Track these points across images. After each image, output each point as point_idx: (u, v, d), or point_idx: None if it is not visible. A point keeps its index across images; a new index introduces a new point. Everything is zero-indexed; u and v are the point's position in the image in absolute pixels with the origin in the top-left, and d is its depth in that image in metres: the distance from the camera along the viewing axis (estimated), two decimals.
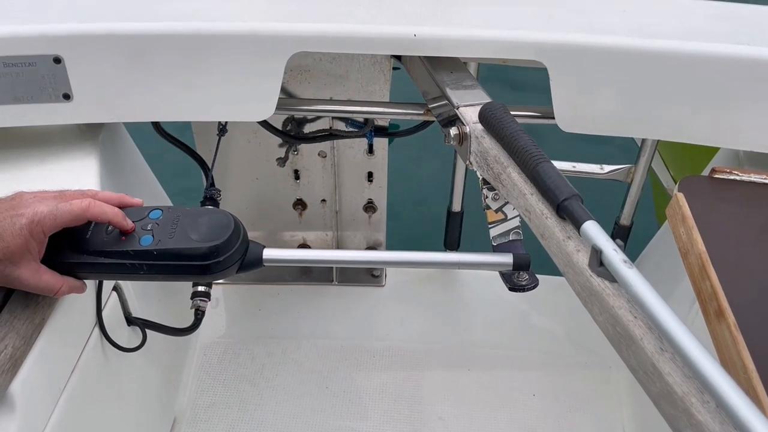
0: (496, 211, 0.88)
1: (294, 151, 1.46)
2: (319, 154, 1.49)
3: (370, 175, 1.53)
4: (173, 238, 0.77)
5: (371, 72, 1.30)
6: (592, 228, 0.63)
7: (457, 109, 0.93)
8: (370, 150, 1.48)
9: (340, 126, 1.39)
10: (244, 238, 0.80)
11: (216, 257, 0.76)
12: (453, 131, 0.91)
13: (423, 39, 0.98)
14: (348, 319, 1.60)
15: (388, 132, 1.40)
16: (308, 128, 1.40)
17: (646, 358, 0.54)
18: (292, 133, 1.37)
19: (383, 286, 1.68)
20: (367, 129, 1.37)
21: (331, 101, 1.23)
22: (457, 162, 1.51)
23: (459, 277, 1.69)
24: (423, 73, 1.08)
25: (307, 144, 1.43)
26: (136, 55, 0.98)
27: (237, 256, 0.79)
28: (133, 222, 0.78)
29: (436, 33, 0.99)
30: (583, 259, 0.64)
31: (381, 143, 1.47)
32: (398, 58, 1.24)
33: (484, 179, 0.87)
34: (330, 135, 1.38)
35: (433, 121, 1.23)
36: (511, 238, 0.88)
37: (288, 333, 1.56)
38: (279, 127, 1.37)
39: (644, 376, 0.54)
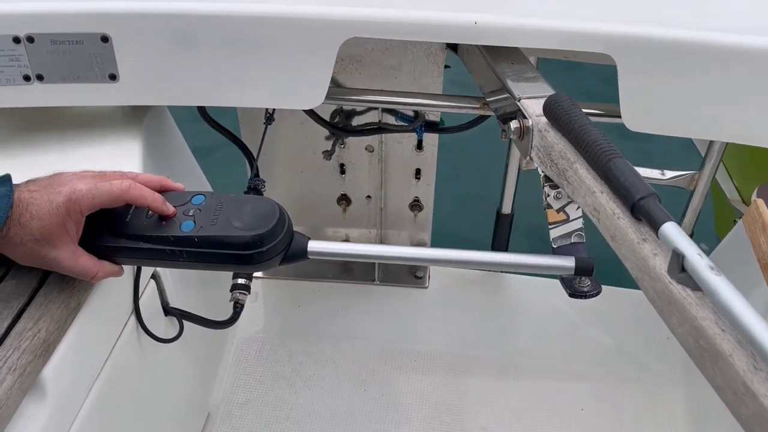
0: (558, 210, 0.82)
1: (341, 144, 1.43)
2: (366, 149, 1.45)
3: (417, 171, 1.49)
4: (215, 225, 0.73)
5: (424, 64, 1.26)
6: (672, 230, 0.57)
7: (519, 101, 0.88)
8: (419, 146, 1.43)
9: (390, 120, 1.35)
10: (288, 229, 0.76)
11: (259, 247, 0.73)
12: (513, 125, 0.86)
13: (484, 27, 0.93)
14: (389, 321, 1.56)
15: (439, 127, 1.36)
16: (356, 121, 1.36)
17: (736, 377, 0.48)
18: (340, 125, 1.33)
19: (426, 287, 1.63)
20: (418, 123, 1.32)
21: (382, 92, 1.18)
22: (509, 161, 1.46)
23: (505, 282, 1.63)
24: (481, 65, 1.03)
25: (354, 137, 1.39)
26: (185, 35, 0.95)
27: (281, 247, 0.75)
28: (174, 207, 0.75)
29: (498, 21, 0.94)
30: (660, 263, 0.58)
31: (431, 139, 1.42)
32: (454, 49, 1.19)
33: (546, 176, 0.81)
34: (379, 129, 1.33)
35: (487, 116, 1.19)
36: (573, 241, 0.82)
37: (327, 332, 1.52)
38: (327, 118, 1.33)
39: (733, 397, 0.49)
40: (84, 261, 0.72)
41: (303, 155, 1.47)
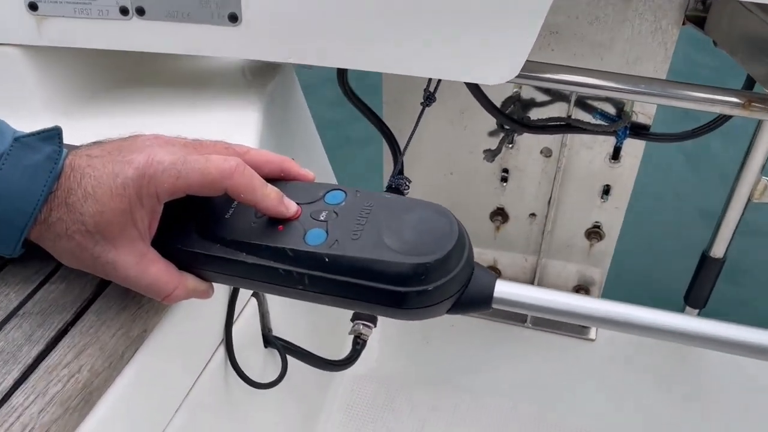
0: None
1: (509, 143, 1.16)
2: (541, 152, 1.17)
3: (606, 189, 1.19)
4: (358, 241, 0.49)
5: (646, 43, 0.97)
6: None
7: None
8: (616, 155, 1.14)
9: (583, 116, 1.07)
10: (468, 259, 0.51)
11: (422, 283, 0.48)
12: None
13: None
14: (543, 379, 1.27)
15: (650, 133, 1.06)
16: (536, 114, 1.09)
17: None
18: (515, 117, 1.06)
19: (594, 340, 1.33)
20: (621, 124, 1.03)
21: (588, 71, 0.89)
22: (737, 185, 1.13)
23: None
24: (760, 41, 0.73)
25: (532, 134, 1.11)
26: None
27: (454, 287, 0.50)
28: (297, 204, 0.51)
29: None
30: None
31: (633, 148, 1.13)
32: (697, 23, 0.90)
33: None
34: (567, 126, 1.05)
35: (728, 118, 0.89)
36: None
37: (462, 382, 1.25)
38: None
39: None
40: (156, 271, 0.49)
41: (456, 153, 1.22)
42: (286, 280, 0.50)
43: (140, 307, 0.55)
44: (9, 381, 0.48)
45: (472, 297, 0.51)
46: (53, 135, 0.47)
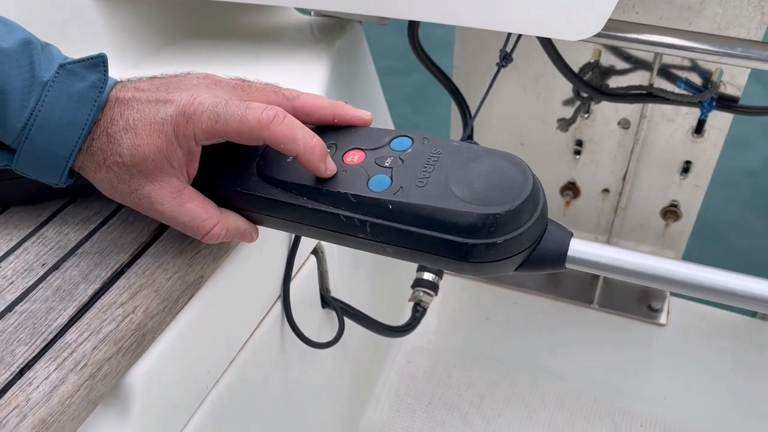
0: None
1: (585, 112, 1.11)
2: (619, 123, 1.12)
3: (686, 165, 1.13)
4: (424, 188, 0.46)
5: (740, 5, 0.91)
6: None
7: None
8: (699, 129, 1.08)
9: (666, 86, 1.01)
10: (543, 212, 0.48)
11: (492, 235, 0.45)
12: None
13: None
14: (609, 362, 1.23)
15: (739, 105, 1.00)
16: (615, 83, 1.04)
17: None
18: (593, 83, 1.02)
19: (664, 325, 1.28)
20: (708, 95, 0.97)
21: (676, 31, 0.83)
22: None
23: None
24: None
25: (610, 102, 1.06)
26: None
27: (525, 242, 0.47)
28: (362, 149, 0.49)
29: None
30: None
31: (719, 122, 1.06)
32: None
33: None
34: (648, 95, 1.00)
35: None
36: None
37: (522, 362, 1.22)
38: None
39: None
40: (194, 207, 0.48)
41: (527, 122, 1.18)
42: (347, 228, 0.48)
43: (198, 252, 0.54)
44: (64, 318, 0.48)
45: (544, 254, 0.48)
46: (98, 62, 0.46)
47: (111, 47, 0.80)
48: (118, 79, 0.48)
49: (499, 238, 0.45)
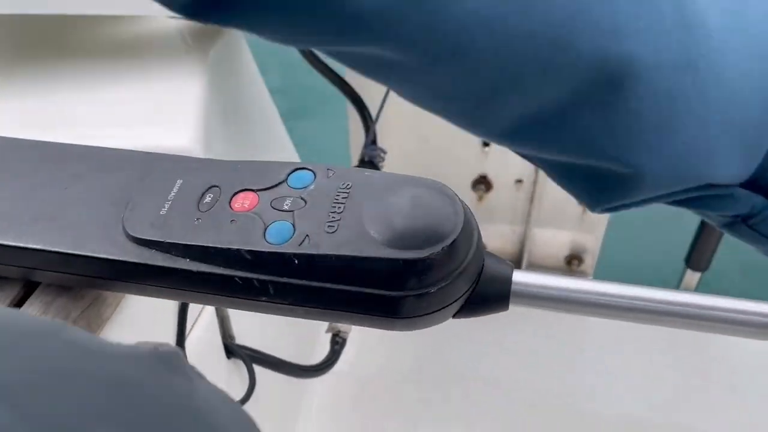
0: None
1: None
2: None
3: None
4: (335, 233, 0.38)
5: None
6: None
7: None
8: None
9: None
10: (478, 247, 0.41)
11: (423, 283, 0.37)
12: None
13: None
14: (536, 361, 1.19)
15: None
16: None
17: None
18: None
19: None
20: None
21: None
22: None
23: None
24: None
25: None
26: None
27: (462, 286, 0.39)
28: (253, 190, 0.40)
29: None
30: None
31: None
32: None
33: None
34: None
35: None
36: None
37: (454, 372, 1.16)
38: None
39: None
40: None
41: (431, 118, 1.10)
42: (244, 291, 0.39)
43: (79, 316, 0.44)
44: None
45: (485, 295, 0.41)
46: None
47: None
48: None
49: (432, 287, 0.37)
